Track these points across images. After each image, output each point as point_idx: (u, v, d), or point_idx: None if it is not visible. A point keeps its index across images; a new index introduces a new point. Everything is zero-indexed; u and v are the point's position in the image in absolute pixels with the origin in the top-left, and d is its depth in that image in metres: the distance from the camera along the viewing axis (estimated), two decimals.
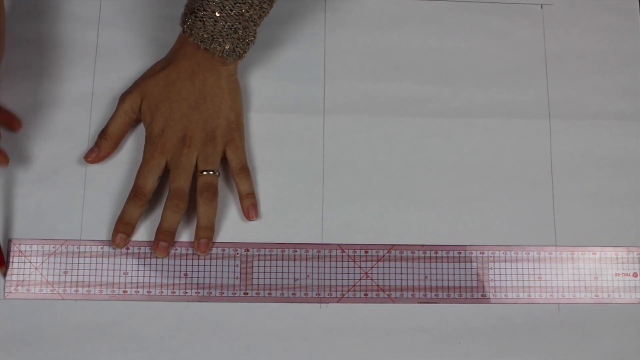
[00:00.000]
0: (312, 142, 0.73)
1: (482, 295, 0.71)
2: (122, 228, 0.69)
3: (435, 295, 0.71)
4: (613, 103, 0.77)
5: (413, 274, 0.71)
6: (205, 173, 0.69)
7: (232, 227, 0.71)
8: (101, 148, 0.71)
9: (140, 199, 0.69)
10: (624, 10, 0.79)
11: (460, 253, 0.72)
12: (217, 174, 0.70)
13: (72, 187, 0.71)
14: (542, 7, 0.79)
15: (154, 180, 0.69)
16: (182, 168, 0.69)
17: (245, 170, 0.71)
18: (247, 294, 0.70)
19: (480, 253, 0.72)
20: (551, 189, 0.74)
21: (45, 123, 0.72)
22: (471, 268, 0.71)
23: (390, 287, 0.71)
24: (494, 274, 0.72)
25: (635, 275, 0.72)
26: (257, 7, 0.67)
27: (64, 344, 0.68)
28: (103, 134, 0.71)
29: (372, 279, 0.71)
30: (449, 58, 0.77)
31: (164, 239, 0.69)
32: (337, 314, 0.70)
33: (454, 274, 0.71)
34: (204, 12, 0.66)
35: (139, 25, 0.75)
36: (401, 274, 0.71)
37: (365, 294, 0.71)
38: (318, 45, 0.76)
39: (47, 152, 0.71)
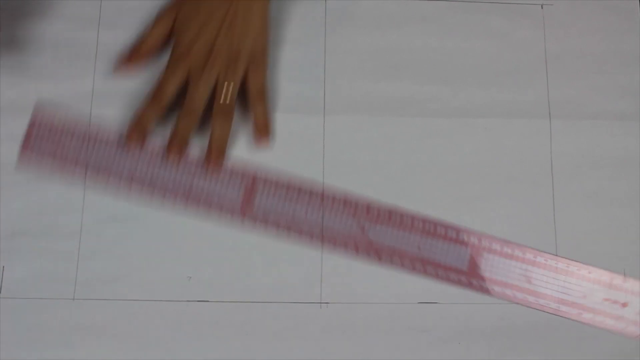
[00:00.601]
0: (312, 142, 0.73)
1: (470, 280, 0.71)
2: (141, 131, 0.69)
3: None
4: (613, 103, 0.77)
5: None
6: (225, 86, 0.69)
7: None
8: (134, 57, 0.72)
9: (158, 102, 0.69)
10: (625, 10, 0.79)
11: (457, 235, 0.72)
12: (235, 89, 0.70)
13: (72, 187, 0.71)
14: (542, 7, 0.79)
15: (174, 88, 0.69)
16: (203, 81, 0.69)
17: (263, 95, 0.71)
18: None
19: (477, 240, 0.72)
20: (551, 189, 0.74)
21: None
22: (465, 252, 0.71)
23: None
24: (486, 265, 0.71)
25: (624, 305, 0.72)
26: None
27: (64, 344, 0.68)
28: (138, 44, 0.72)
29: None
30: (449, 58, 0.77)
31: (178, 145, 0.69)
32: (337, 314, 0.70)
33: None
34: None
35: (139, 25, 0.75)
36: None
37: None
38: (318, 45, 0.76)
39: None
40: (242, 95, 0.72)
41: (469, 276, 0.71)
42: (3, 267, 0.69)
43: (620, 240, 0.74)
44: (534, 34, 0.78)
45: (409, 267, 0.70)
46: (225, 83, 0.69)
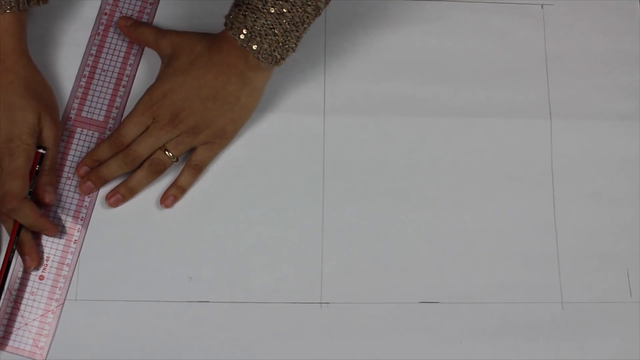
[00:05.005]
0: (312, 142, 0.73)
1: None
2: (90, 162, 0.69)
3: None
4: (614, 103, 0.77)
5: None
6: (166, 152, 0.69)
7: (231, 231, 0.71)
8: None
9: (117, 147, 0.68)
10: (625, 10, 0.80)
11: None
12: (173, 161, 0.69)
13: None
14: (542, 7, 0.79)
15: (136, 134, 0.69)
16: (154, 138, 0.68)
17: (199, 170, 0.71)
18: None
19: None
20: (552, 188, 0.74)
21: None
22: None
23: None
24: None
25: None
26: (300, 9, 0.64)
27: (64, 344, 0.67)
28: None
29: None
30: (449, 58, 0.77)
31: (95, 180, 0.69)
32: (337, 314, 0.70)
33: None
34: (247, 6, 0.64)
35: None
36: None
37: None
38: (318, 45, 0.76)
39: None
40: None
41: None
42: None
43: (621, 240, 0.74)
44: (534, 34, 0.78)
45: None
46: (166, 152, 0.69)
